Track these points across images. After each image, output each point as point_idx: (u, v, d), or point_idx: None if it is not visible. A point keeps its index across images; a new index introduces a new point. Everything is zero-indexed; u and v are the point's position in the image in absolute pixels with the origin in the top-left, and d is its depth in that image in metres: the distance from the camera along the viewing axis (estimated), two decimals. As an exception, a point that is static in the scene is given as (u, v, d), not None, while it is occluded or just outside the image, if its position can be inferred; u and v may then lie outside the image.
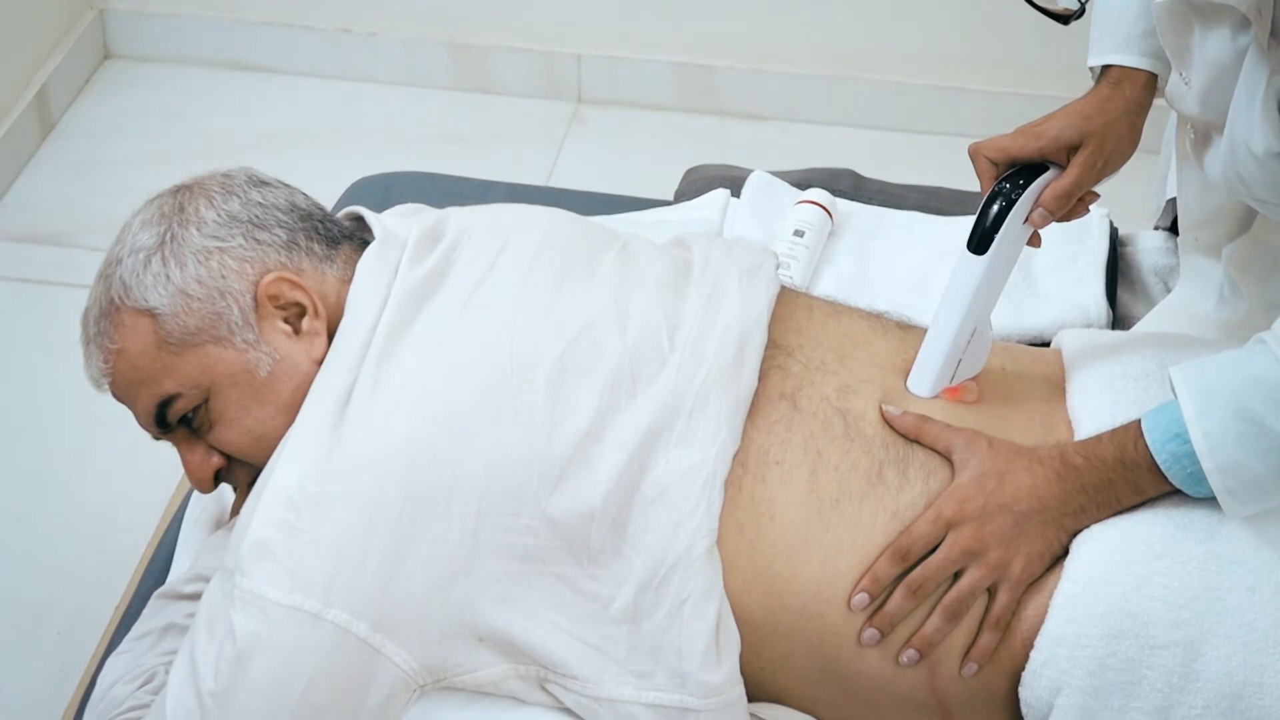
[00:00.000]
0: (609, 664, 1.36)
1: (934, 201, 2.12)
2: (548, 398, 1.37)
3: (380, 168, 2.26)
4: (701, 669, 1.34)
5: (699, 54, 3.19)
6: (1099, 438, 1.38)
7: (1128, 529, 1.37)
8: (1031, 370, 1.55)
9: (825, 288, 1.91)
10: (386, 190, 2.13)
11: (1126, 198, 2.00)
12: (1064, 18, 1.45)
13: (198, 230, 1.45)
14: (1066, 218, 1.52)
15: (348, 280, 1.46)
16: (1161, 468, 1.34)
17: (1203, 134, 1.55)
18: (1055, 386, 1.51)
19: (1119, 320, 1.92)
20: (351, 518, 1.33)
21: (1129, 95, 1.52)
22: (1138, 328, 1.82)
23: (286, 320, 1.45)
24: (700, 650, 1.34)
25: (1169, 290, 1.93)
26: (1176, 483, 1.35)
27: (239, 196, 1.48)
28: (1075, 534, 1.38)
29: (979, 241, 1.47)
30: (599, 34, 3.20)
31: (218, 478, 1.48)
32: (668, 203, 2.15)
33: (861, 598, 1.37)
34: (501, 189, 2.17)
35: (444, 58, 3.25)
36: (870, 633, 1.37)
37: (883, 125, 3.17)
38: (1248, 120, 1.40)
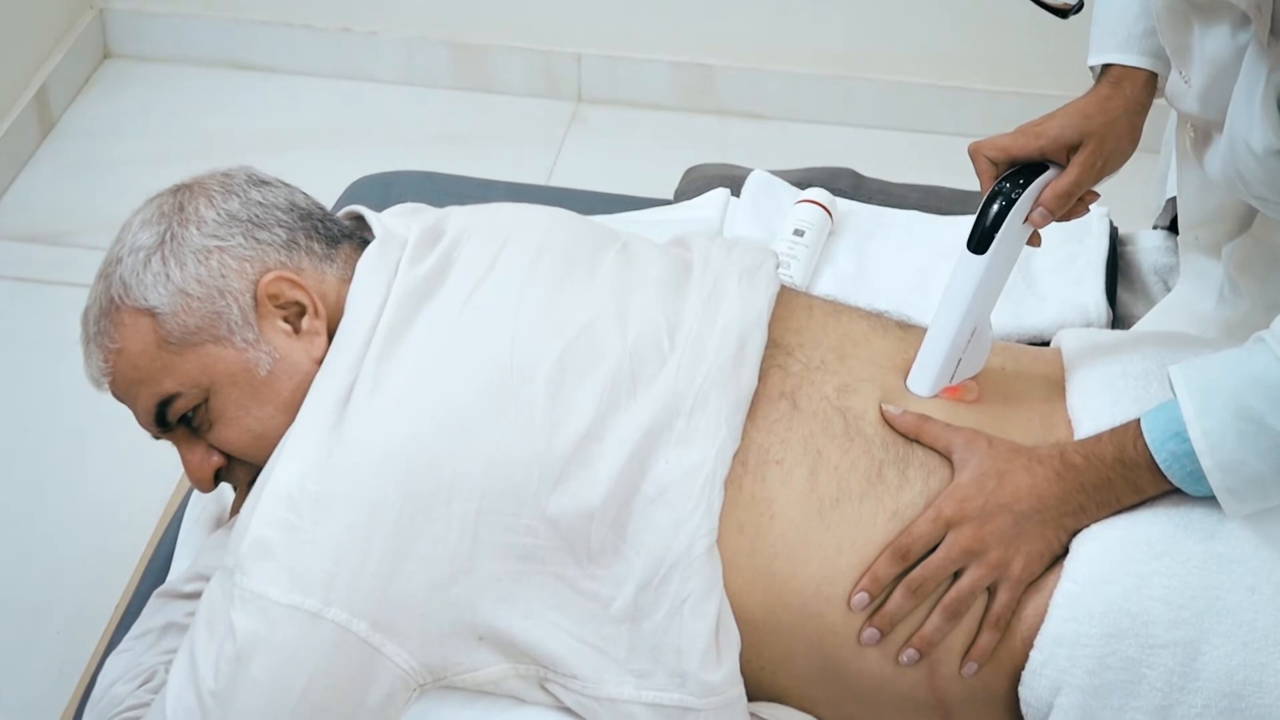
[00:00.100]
0: (609, 663, 1.36)
1: (934, 201, 2.12)
2: (548, 397, 1.37)
3: (380, 167, 2.26)
4: (701, 668, 1.34)
5: (699, 53, 3.19)
6: (1098, 437, 1.38)
7: (1127, 528, 1.36)
8: (1031, 370, 1.55)
9: (825, 287, 1.91)
10: (386, 190, 2.12)
11: (1126, 197, 2.00)
12: (1063, 11, 1.45)
13: (198, 229, 1.45)
14: (1066, 217, 1.52)
15: (347, 279, 1.46)
16: (1161, 467, 1.34)
17: (1203, 132, 1.55)
18: (1055, 386, 1.51)
19: (1119, 320, 1.92)
20: (352, 517, 1.33)
21: (1129, 94, 1.52)
22: (1138, 327, 1.82)
23: (286, 319, 1.45)
24: (700, 649, 1.34)
25: (1169, 289, 1.93)
26: (1176, 482, 1.35)
27: (239, 196, 1.48)
28: (1075, 533, 1.38)
29: (979, 241, 1.47)
30: (599, 33, 3.20)
31: (218, 477, 1.48)
32: (668, 202, 2.15)
33: (861, 597, 1.37)
34: (501, 188, 2.17)
35: (444, 57, 3.24)
36: (870, 632, 1.37)
37: (883, 125, 3.17)
38: (1247, 118, 1.40)
